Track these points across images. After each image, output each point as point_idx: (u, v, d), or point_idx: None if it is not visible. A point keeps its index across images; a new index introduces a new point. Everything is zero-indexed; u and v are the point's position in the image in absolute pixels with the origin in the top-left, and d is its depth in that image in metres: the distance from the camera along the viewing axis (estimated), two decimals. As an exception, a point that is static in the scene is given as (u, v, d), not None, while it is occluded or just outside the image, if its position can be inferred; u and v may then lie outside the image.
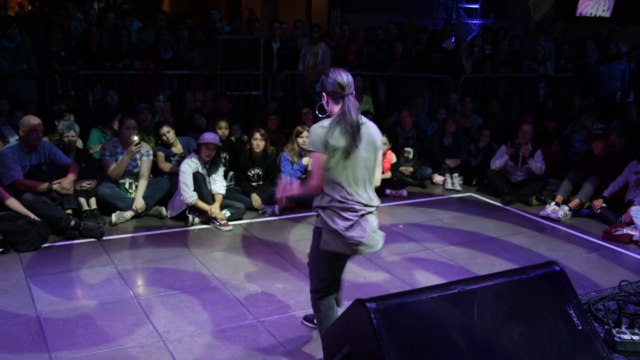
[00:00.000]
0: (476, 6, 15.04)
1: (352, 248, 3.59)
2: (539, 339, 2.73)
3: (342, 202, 3.51)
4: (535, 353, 2.67)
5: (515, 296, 2.77)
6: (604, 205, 7.11)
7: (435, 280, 5.22)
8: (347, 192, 3.51)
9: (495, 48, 10.90)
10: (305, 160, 7.26)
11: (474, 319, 2.62)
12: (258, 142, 7.14)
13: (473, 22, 14.95)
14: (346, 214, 3.52)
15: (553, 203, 7.33)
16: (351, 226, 3.53)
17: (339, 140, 3.43)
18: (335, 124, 3.45)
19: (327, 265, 3.68)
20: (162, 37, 8.90)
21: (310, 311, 4.01)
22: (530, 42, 11.32)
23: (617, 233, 6.46)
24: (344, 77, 3.51)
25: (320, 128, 3.48)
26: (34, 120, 6.18)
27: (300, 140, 7.36)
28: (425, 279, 5.29)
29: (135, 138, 6.63)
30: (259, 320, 4.44)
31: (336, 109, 3.52)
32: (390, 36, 10.53)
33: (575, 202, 7.29)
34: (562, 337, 2.77)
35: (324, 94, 3.59)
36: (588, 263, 5.87)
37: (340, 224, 3.51)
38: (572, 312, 2.83)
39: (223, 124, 7.53)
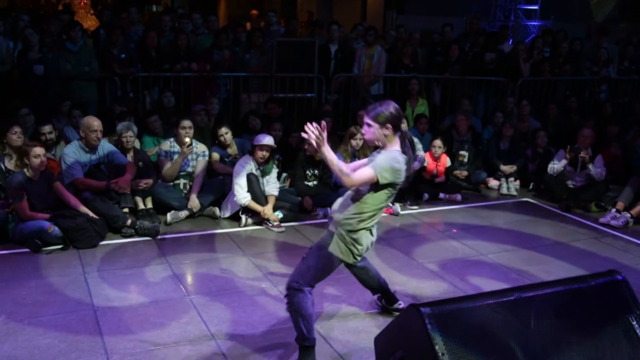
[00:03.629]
0: (535, 7, 14.72)
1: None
2: (599, 351, 2.64)
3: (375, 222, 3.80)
4: (596, 365, 2.58)
5: (575, 305, 2.69)
6: (668, 213, 6.85)
7: (490, 286, 5.11)
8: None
9: (554, 50, 10.63)
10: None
11: (530, 327, 2.55)
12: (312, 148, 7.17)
13: (532, 23, 14.64)
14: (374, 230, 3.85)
15: (614, 210, 7.09)
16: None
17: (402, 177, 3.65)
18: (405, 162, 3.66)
19: (332, 271, 3.87)
20: (219, 40, 9.02)
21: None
22: (591, 43, 11.00)
23: (683, 242, 6.22)
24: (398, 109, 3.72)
25: (401, 164, 3.62)
26: (94, 121, 6.35)
27: (353, 142, 7.35)
28: (479, 285, 5.19)
29: (187, 140, 6.72)
30: (310, 322, 4.43)
31: (396, 142, 3.68)
32: (446, 38, 10.40)
33: (637, 209, 7.03)
34: (623, 349, 2.68)
35: (389, 125, 3.63)
36: (651, 273, 5.66)
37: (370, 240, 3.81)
38: (635, 323, 2.73)
39: (277, 126, 7.58)
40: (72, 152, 6.27)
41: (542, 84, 9.95)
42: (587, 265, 5.75)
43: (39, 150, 5.74)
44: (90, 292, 4.80)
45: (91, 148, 6.34)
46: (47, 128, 6.74)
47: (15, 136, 6.26)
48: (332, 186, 7.28)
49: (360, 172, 3.60)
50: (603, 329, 2.69)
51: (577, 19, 13.96)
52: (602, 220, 7.05)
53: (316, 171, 7.23)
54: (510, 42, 11.11)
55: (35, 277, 5.06)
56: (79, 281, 5.02)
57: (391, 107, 3.68)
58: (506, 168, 8.30)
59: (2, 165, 6.18)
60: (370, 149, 7.43)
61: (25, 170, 5.76)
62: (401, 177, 3.63)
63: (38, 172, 5.79)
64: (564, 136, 8.66)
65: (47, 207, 5.88)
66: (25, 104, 7.14)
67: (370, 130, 3.68)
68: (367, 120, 3.70)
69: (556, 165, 7.69)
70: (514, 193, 8.16)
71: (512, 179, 8.28)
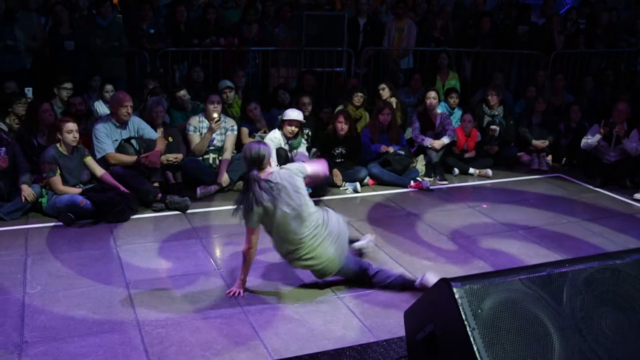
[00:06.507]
0: (571, -23, 14.33)
1: None
2: (632, 327, 2.60)
3: None
4: (629, 341, 2.54)
5: (608, 281, 2.65)
6: None
7: (520, 262, 5.06)
8: None
9: (590, 22, 10.35)
10: (383, 148, 7.21)
11: (563, 303, 2.52)
12: (342, 126, 7.10)
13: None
14: None
15: (649, 186, 6.96)
16: None
17: None
18: None
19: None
20: (247, 15, 8.97)
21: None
22: (629, 15, 10.69)
23: None
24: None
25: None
26: (124, 96, 6.40)
27: (381, 116, 7.31)
28: (509, 261, 5.13)
29: (215, 115, 6.73)
30: (339, 296, 4.44)
31: None
32: (478, 11, 10.20)
33: (674, 185, 6.89)
34: (658, 326, 2.63)
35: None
36: (687, 249, 5.53)
37: None
38: (670, 299, 2.67)
39: (306, 100, 7.54)
40: (103, 127, 6.32)
41: (577, 57, 9.72)
42: (621, 241, 5.66)
43: (71, 125, 5.81)
44: (122, 265, 4.88)
45: (121, 123, 6.39)
46: (77, 99, 6.88)
47: (47, 114, 6.36)
48: (360, 162, 7.26)
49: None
50: (636, 305, 2.65)
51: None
52: (636, 196, 6.91)
53: (343, 150, 7.19)
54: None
55: (68, 250, 5.15)
56: (111, 255, 5.10)
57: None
58: (538, 143, 8.17)
59: (35, 141, 6.28)
60: (395, 128, 7.43)
61: (57, 145, 5.83)
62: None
63: (71, 147, 5.87)
64: (598, 110, 8.47)
65: (79, 182, 5.97)
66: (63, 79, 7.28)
67: None
68: None
69: (590, 140, 7.54)
70: (546, 168, 8.04)
71: (544, 153, 8.15)
